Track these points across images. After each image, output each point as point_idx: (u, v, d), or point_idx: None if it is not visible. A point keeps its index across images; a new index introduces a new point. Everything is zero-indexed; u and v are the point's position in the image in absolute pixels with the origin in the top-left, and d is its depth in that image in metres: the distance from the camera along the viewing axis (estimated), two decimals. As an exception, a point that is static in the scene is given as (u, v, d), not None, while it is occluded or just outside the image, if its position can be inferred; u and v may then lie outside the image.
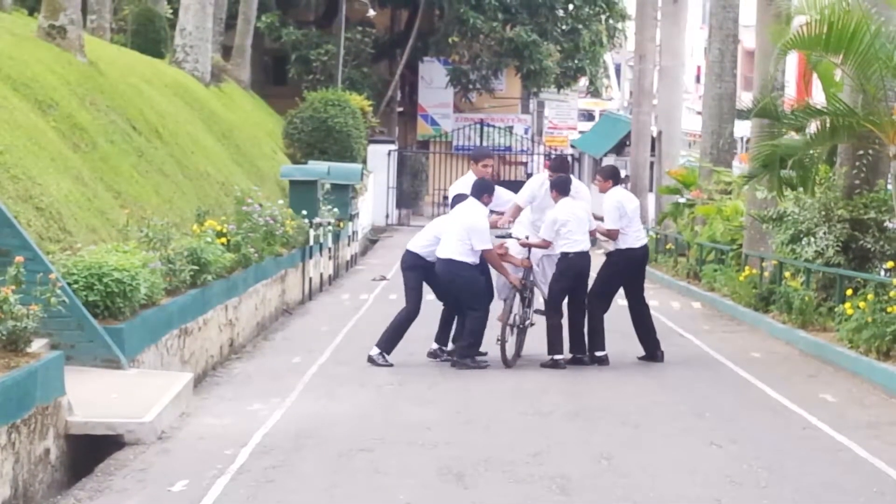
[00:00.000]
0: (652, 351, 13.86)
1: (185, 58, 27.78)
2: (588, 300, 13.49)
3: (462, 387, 12.11)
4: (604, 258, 14.10)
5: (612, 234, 13.65)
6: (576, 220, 13.11)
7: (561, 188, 13.33)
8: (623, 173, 38.25)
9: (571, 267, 13.14)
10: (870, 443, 9.73)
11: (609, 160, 39.51)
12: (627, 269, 13.77)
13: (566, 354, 13.29)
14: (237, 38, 34.75)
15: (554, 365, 13.11)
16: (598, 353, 13.48)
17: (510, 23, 44.72)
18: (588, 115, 60.79)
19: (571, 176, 14.17)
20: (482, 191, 13.07)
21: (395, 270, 22.39)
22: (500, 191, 13.75)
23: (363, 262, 28.39)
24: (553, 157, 15.01)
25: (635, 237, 13.72)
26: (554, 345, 13.19)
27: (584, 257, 13.17)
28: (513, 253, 13.41)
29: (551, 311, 13.29)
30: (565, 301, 13.39)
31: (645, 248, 13.99)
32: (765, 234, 18.40)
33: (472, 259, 12.99)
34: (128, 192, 15.28)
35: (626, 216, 13.61)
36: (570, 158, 33.71)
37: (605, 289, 13.71)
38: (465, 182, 13.76)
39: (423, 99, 48.01)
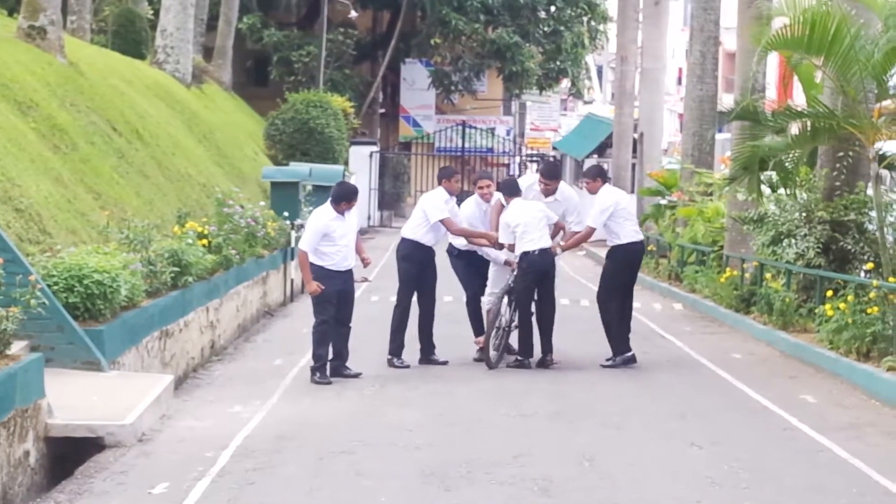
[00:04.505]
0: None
1: (165, 59, 27.71)
2: (599, 303, 13.65)
3: (444, 389, 12.11)
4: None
5: (587, 233, 13.60)
6: (528, 220, 13.04)
7: (507, 190, 13.33)
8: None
9: (532, 264, 13.05)
10: (850, 444, 9.76)
11: (591, 162, 39.56)
12: (630, 264, 13.80)
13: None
14: (218, 39, 34.69)
15: (519, 365, 13.12)
16: (627, 354, 13.49)
17: (492, 24, 44.79)
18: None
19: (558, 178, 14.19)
20: (341, 198, 12.63)
21: (378, 272, 22.38)
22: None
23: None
24: (544, 161, 14.84)
25: (634, 231, 13.72)
26: (523, 345, 13.20)
27: (545, 254, 13.10)
28: (489, 252, 13.44)
29: (521, 312, 13.26)
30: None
31: (643, 243, 14.11)
32: (746, 236, 18.43)
33: (427, 240, 13.24)
34: (108, 194, 15.24)
35: (624, 211, 13.61)
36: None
37: (612, 287, 13.70)
38: (470, 201, 13.86)
39: (404, 100, 48.02)
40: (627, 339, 13.69)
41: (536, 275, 13.13)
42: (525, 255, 13.02)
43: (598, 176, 13.97)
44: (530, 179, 14.19)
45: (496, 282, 13.52)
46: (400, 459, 9.06)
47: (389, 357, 13.30)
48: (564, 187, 14.17)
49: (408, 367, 13.16)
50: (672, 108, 61.36)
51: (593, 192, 13.75)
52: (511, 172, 45.45)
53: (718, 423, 10.59)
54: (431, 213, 13.15)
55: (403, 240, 13.43)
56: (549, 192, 13.65)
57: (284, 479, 8.47)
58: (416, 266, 13.30)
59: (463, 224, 13.44)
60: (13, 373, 8.27)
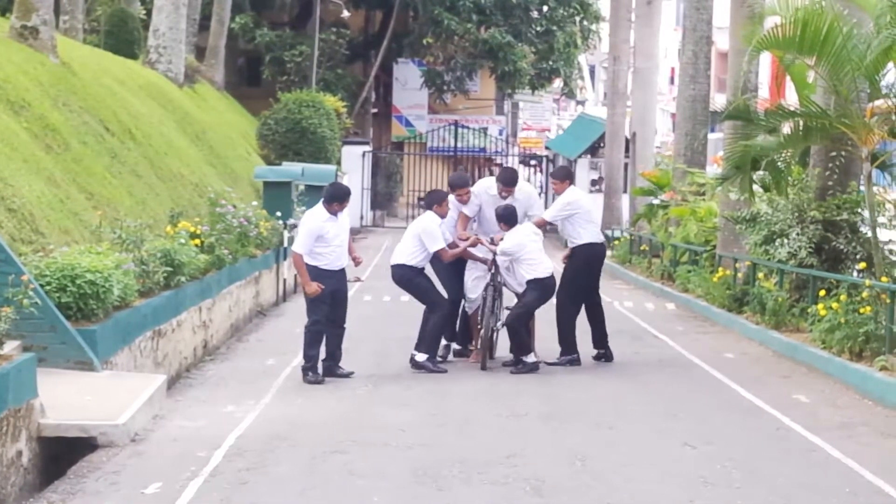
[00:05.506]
0: (603, 350, 13.91)
1: (158, 59, 27.68)
2: (559, 302, 13.64)
3: (437, 389, 12.10)
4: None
5: (539, 223, 13.56)
6: (535, 248, 13.17)
7: (508, 220, 13.28)
8: (596, 175, 38.57)
9: (549, 286, 13.27)
10: (843, 443, 9.78)
11: (583, 161, 39.59)
12: (590, 264, 13.80)
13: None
14: (211, 38, 34.67)
15: (532, 369, 13.13)
16: (573, 356, 13.52)
17: (484, 24, 44.79)
18: None
19: (520, 179, 14.29)
20: (334, 199, 12.67)
21: (370, 272, 22.39)
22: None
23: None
24: (501, 169, 15.11)
25: (594, 234, 13.83)
26: (525, 347, 13.22)
27: (553, 277, 13.34)
28: (476, 253, 13.46)
29: (525, 320, 13.26)
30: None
31: (604, 245, 14.27)
32: (738, 236, 18.46)
33: (421, 263, 13.21)
34: (101, 194, 15.22)
35: (587, 214, 13.73)
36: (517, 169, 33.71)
37: (573, 287, 13.73)
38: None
39: (397, 100, 48.03)
40: (606, 340, 13.86)
41: (549, 294, 13.35)
42: (539, 279, 13.10)
43: (565, 178, 14.11)
44: (487, 183, 14.16)
45: (474, 289, 13.54)
46: (393, 459, 9.06)
47: (427, 357, 13.00)
48: (522, 185, 14.25)
49: (445, 371, 13.04)
50: (665, 107, 61.48)
51: (559, 192, 13.88)
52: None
53: (711, 423, 10.60)
54: (430, 244, 13.09)
55: (400, 266, 13.20)
56: (508, 194, 13.67)
57: (277, 479, 8.46)
58: (423, 276, 13.31)
59: (446, 234, 13.47)
60: (5, 373, 8.25)
